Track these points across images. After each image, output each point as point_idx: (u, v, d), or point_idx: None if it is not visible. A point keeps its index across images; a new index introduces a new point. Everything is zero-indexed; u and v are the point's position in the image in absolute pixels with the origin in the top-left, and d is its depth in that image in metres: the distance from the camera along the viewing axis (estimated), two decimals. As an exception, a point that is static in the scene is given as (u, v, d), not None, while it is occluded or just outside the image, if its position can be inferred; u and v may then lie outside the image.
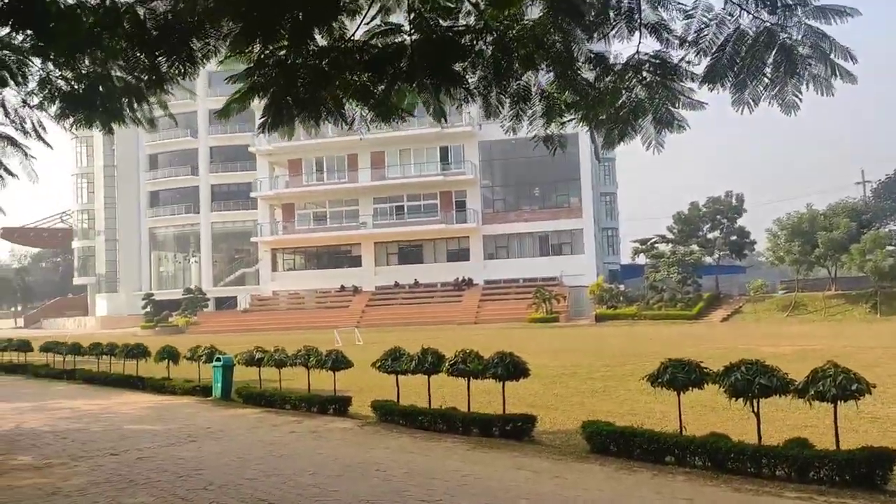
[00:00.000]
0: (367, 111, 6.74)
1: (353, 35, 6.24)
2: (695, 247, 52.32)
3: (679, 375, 8.49)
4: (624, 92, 6.58)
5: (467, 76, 6.56)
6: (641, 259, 54.37)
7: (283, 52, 6.11)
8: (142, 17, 5.81)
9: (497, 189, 57.42)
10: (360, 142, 56.47)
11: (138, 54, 5.93)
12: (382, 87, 6.57)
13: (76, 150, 73.15)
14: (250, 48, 6.00)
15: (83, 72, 10.05)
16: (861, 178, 68.55)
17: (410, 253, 57.90)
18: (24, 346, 23.60)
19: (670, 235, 53.45)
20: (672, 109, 6.64)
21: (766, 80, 6.02)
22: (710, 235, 53.12)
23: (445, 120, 7.02)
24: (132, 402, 15.19)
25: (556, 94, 6.53)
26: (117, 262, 70.50)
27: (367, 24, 6.29)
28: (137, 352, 17.69)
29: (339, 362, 13.29)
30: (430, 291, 54.70)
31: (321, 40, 6.08)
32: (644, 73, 6.45)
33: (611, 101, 6.54)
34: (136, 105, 11.00)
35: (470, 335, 33.74)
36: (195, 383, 15.88)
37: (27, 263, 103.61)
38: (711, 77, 6.06)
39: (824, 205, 49.88)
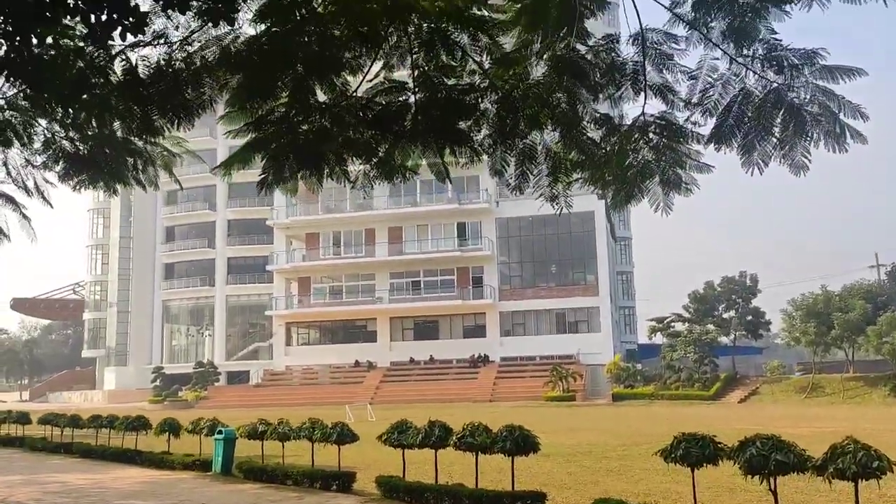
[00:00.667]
0: (370, 169, 6.69)
1: (355, 91, 6.24)
2: (711, 326, 51.59)
3: (693, 450, 8.07)
4: (630, 153, 6.48)
5: (472, 135, 6.52)
6: (658, 338, 53.67)
7: (283, 108, 6.11)
8: (133, 64, 5.82)
9: (514, 265, 57.33)
10: (377, 216, 57.13)
11: (130, 103, 5.91)
12: (386, 145, 6.53)
13: (92, 221, 74.20)
14: (250, 104, 6.00)
15: (88, 133, 10.17)
16: (875, 261, 68.30)
17: (426, 328, 57.46)
18: (22, 418, 23.18)
19: (686, 314, 52.81)
20: (679, 172, 6.53)
21: (775, 140, 5.91)
22: (725, 315, 52.46)
23: (450, 181, 6.93)
24: (127, 477, 14.75)
25: (561, 154, 6.45)
26: (128, 335, 70.36)
27: (370, 80, 6.30)
28: (138, 424, 17.30)
29: (344, 436, 12.89)
30: (446, 368, 53.97)
31: (322, 96, 6.08)
32: (650, 135, 6.37)
33: (618, 162, 6.44)
34: (140, 167, 11.12)
35: (485, 413, 32.96)
36: (195, 457, 15.40)
37: (36, 335, 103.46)
38: (718, 137, 5.96)
39: (838, 287, 49.33)
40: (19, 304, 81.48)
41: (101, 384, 70.68)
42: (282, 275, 60.26)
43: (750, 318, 51.49)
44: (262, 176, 6.28)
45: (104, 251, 72.96)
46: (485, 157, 6.63)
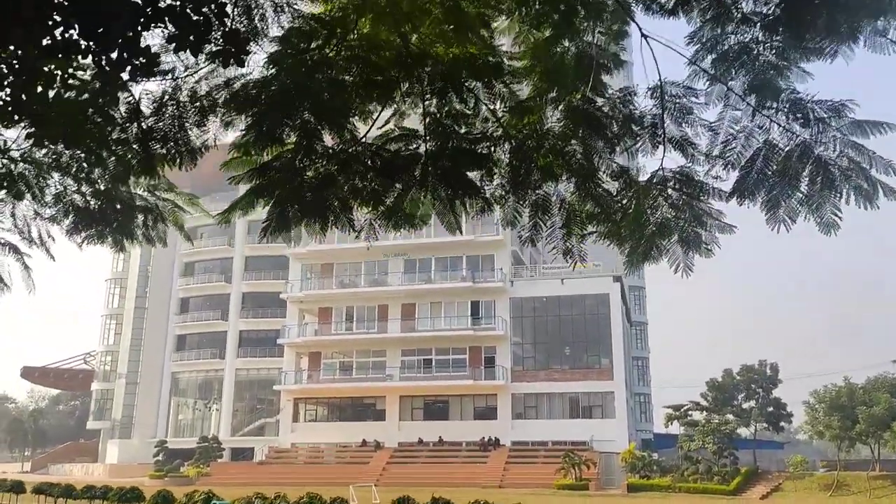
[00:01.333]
0: (377, 219, 6.44)
1: (363, 137, 6.06)
2: (730, 416, 50.05)
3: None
4: (648, 210, 6.20)
5: (484, 184, 6.29)
6: (674, 427, 52.03)
7: (290, 154, 5.93)
8: (137, 98, 5.66)
9: (527, 346, 56.41)
10: (391, 293, 56.83)
11: (131, 141, 5.72)
12: (394, 194, 6.31)
13: (109, 290, 74.55)
14: (255, 148, 5.82)
15: (99, 188, 10.08)
16: (897, 358, 66.86)
17: (436, 409, 56.22)
18: (16, 486, 22.52)
19: (704, 403, 51.34)
20: (699, 230, 6.22)
21: (801, 195, 5.61)
22: (745, 405, 50.93)
23: (461, 231, 6.66)
24: (118, 546, 14.06)
25: (576, 206, 6.18)
26: (134, 407, 69.43)
27: (380, 128, 6.13)
28: (131, 496, 16.70)
29: (343, 511, 12.24)
30: (455, 450, 52.44)
31: (329, 140, 5.90)
32: (669, 191, 6.10)
33: (635, 217, 6.15)
34: (150, 223, 10.97)
35: (494, 499, 31.68)
36: (189, 529, 14.73)
37: (44, 405, 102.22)
38: (741, 192, 5.67)
39: (861, 380, 47.91)
40: (29, 373, 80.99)
41: (103, 457, 69.34)
42: (292, 349, 59.69)
43: (771, 409, 49.94)
44: (266, 223, 6.03)
45: (118, 321, 73.02)
46: (497, 208, 6.37)
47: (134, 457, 64.62)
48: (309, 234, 6.42)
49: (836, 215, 5.58)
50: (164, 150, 5.64)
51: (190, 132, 5.66)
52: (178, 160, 5.73)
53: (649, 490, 43.52)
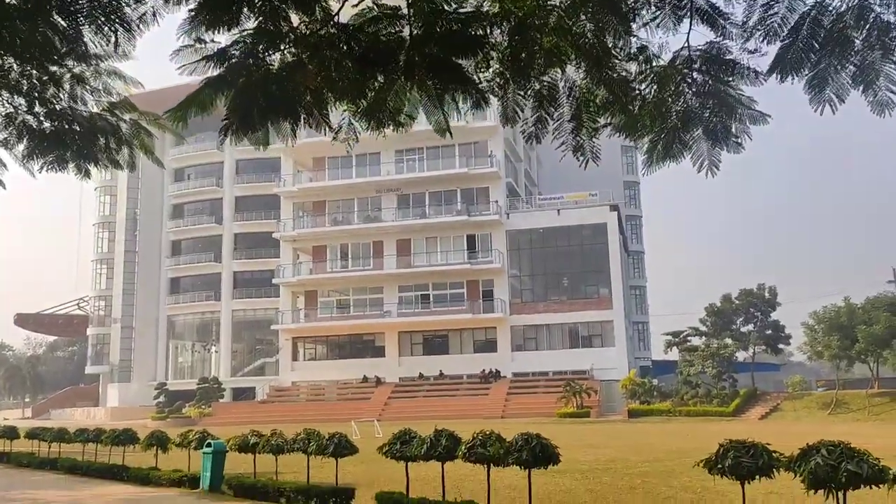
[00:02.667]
0: (357, 118, 5.59)
1: (336, 16, 5.15)
2: (729, 340, 50.03)
3: (744, 460, 6.85)
4: (670, 97, 5.36)
5: (480, 72, 5.42)
6: (673, 354, 52.06)
7: (251, 38, 5.04)
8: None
9: (525, 279, 56.03)
10: (385, 229, 56.04)
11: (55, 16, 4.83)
12: (376, 86, 5.44)
13: (97, 235, 73.56)
14: (211, 32, 4.93)
15: (55, 107, 9.15)
16: (894, 276, 66.78)
17: (436, 343, 56.17)
18: (9, 432, 22.15)
19: (703, 328, 51.26)
20: (728, 122, 5.40)
21: (853, 68, 4.78)
22: (743, 329, 50.86)
23: (450, 134, 5.79)
24: (108, 494, 13.60)
25: (586, 95, 5.32)
26: (132, 351, 69.35)
27: (356, 5, 5.22)
28: (124, 438, 16.19)
29: (341, 447, 11.73)
30: (456, 384, 52.61)
31: (296, 19, 5.00)
32: (695, 74, 5.25)
33: (655, 107, 5.31)
34: (114, 146, 10.08)
35: (497, 429, 31.72)
36: (183, 473, 14.26)
37: (41, 352, 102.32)
38: (783, 66, 4.83)
39: (860, 299, 47.64)
40: (23, 320, 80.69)
41: (104, 401, 69.63)
42: (288, 288, 59.22)
43: (769, 332, 49.91)
44: (226, 120, 5.18)
45: (109, 266, 72.17)
46: (494, 102, 5.52)
47: (135, 399, 64.88)
48: (278, 134, 5.57)
49: (893, 91, 4.76)
50: (92, 25, 4.74)
51: (124, 5, 4.75)
52: (111, 37, 4.83)
53: (650, 415, 43.79)
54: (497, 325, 53.92)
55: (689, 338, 51.00)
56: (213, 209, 70.09)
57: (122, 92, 10.61)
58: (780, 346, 51.36)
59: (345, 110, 5.53)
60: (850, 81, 4.79)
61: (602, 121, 5.42)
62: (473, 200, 56.07)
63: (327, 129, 5.48)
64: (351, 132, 5.60)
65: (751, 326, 50.68)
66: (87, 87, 10.07)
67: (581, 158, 5.55)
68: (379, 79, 5.42)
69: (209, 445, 13.41)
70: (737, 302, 50.80)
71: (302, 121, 5.37)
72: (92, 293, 73.86)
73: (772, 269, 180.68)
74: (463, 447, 9.68)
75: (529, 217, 56.09)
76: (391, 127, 5.59)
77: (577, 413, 43.90)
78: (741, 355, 52.21)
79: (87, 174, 10.33)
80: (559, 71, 5.32)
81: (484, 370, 52.30)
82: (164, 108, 5.76)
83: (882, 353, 43.27)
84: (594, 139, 5.45)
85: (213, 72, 5.12)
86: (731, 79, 5.15)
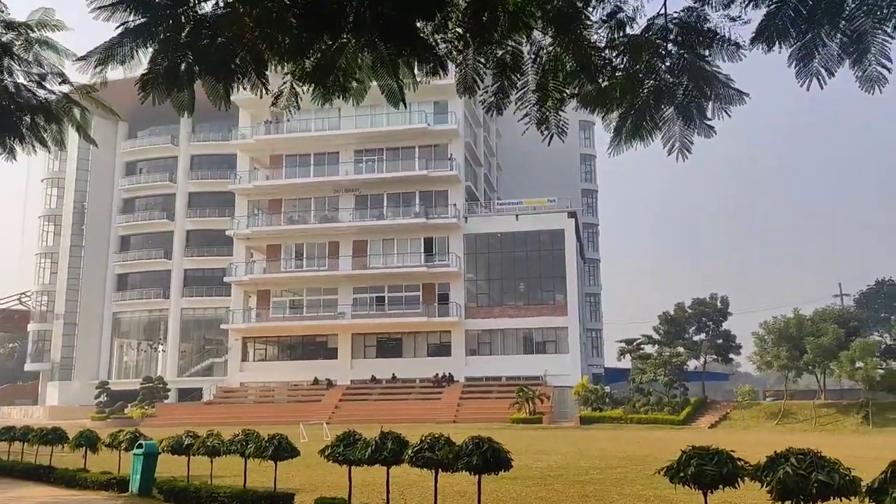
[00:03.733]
0: (301, 82, 5.01)
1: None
2: (681, 349, 50.42)
3: (707, 468, 6.44)
4: (643, 71, 4.91)
5: (438, 36, 4.90)
6: (626, 362, 52.34)
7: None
8: None
9: (481, 283, 55.64)
10: (342, 229, 55.11)
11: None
12: (321, 47, 4.87)
13: (42, 228, 70.97)
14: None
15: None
16: (839, 290, 69.34)
17: (389, 346, 55.42)
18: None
19: (656, 336, 51.60)
20: (702, 101, 4.97)
21: (843, 38, 4.39)
22: (696, 338, 51.37)
23: (405, 104, 5.26)
24: (28, 497, 12.68)
25: (553, 63, 4.84)
26: (74, 348, 66.93)
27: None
28: (52, 437, 15.20)
29: (281, 450, 11.05)
30: (409, 387, 51.92)
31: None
32: (669, 46, 4.81)
33: (627, 80, 4.86)
34: (42, 123, 9.31)
35: (448, 433, 31.20)
36: (112, 475, 13.39)
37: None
38: (769, 34, 4.41)
39: (809, 311, 48.54)
40: (-39, 314, 77.39)
41: (43, 400, 67.06)
42: (240, 287, 57.85)
43: (720, 341, 50.48)
44: (148, 74, 4.54)
45: (53, 260, 69.62)
46: (453, 69, 5.00)
47: (76, 399, 62.61)
48: (209, 95, 4.95)
49: (884, 66, 4.38)
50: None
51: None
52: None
53: (601, 422, 43.75)
54: (452, 328, 53.45)
55: (642, 346, 51.26)
56: (166, 205, 68.22)
57: (56, 64, 9.85)
58: (731, 355, 51.94)
59: (286, 73, 4.95)
60: (840, 52, 4.41)
61: (569, 91, 4.94)
62: (432, 203, 55.57)
63: (264, 91, 4.88)
64: (293, 99, 5.01)
65: (703, 335, 51.20)
66: (15, 57, 9.30)
67: (545, 133, 5.06)
68: (326, 40, 4.85)
69: (140, 446, 12.59)
70: (689, 311, 51.28)
71: (236, 80, 4.77)
72: (35, 288, 71.14)
73: (724, 280, 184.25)
74: (410, 451, 9.13)
75: (488, 221, 55.83)
76: (339, 95, 5.01)
77: (530, 419, 43.65)
78: (692, 364, 52.71)
79: (12, 153, 9.54)
80: (524, 36, 4.83)
81: (437, 374, 51.75)
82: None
83: (829, 364, 43.98)
84: (560, 112, 4.96)
85: (134, 18, 4.49)
86: (707, 52, 4.72)
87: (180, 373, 64.19)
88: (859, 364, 41.89)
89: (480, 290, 55.46)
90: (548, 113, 4.92)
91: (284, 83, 4.99)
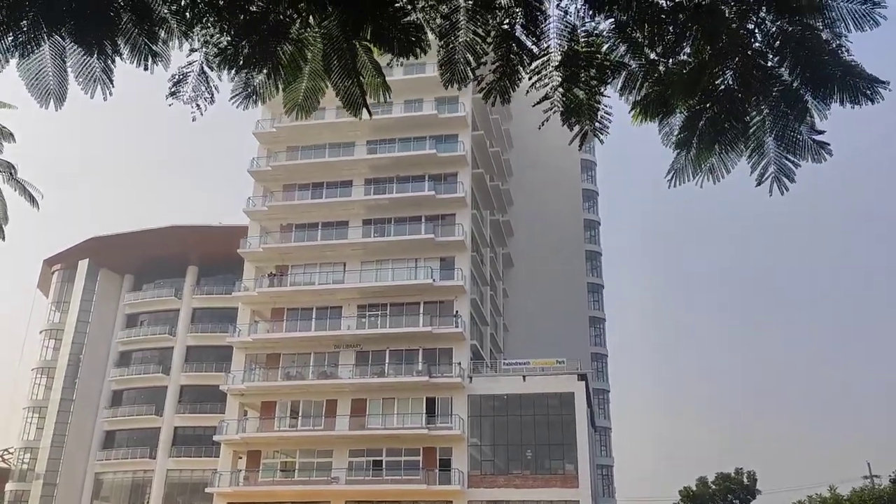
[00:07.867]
0: (214, 62, 3.43)
1: None
2: (705, 530, 46.10)
3: None
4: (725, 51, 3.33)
5: (415, 3, 3.36)
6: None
7: None
8: None
9: (485, 448, 51.96)
10: (341, 386, 52.40)
11: None
12: (246, 17, 3.33)
13: (34, 381, 68.38)
14: None
15: None
16: (868, 471, 64.50)
17: (385, 517, 50.86)
18: None
19: (678, 514, 47.43)
20: (809, 99, 3.35)
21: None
22: (722, 517, 47.15)
23: (367, 110, 3.63)
24: None
25: (585, 38, 3.26)
26: (50, 512, 62.25)
27: None
28: None
29: None
30: (405, 566, 47.03)
31: None
32: (762, 13, 3.27)
33: (697, 70, 3.27)
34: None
35: None
36: None
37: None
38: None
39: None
40: (-64, 473, 72.88)
41: (8, 569, 61.50)
42: (230, 446, 54.28)
43: (749, 521, 46.25)
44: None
45: (41, 415, 66.54)
46: (437, 46, 3.41)
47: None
48: (77, 76, 3.33)
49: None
50: None
51: None
52: None
53: None
54: (454, 498, 49.19)
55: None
56: (162, 358, 66.18)
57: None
58: (761, 537, 47.46)
59: (194, 50, 3.39)
60: None
61: (611, 77, 3.32)
62: (436, 361, 53.27)
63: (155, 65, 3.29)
64: (203, 84, 3.41)
65: (728, 514, 47.02)
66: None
67: (573, 127, 3.37)
68: (257, 2, 3.33)
69: None
70: (713, 486, 47.37)
71: (114, 46, 3.18)
72: (18, 444, 67.51)
73: (750, 453, 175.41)
74: None
75: (493, 382, 53.18)
76: (270, 87, 3.42)
77: None
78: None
79: None
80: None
81: (437, 551, 47.03)
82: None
83: (871, 549, 39.78)
84: (597, 99, 3.30)
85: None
86: (821, 21, 3.15)
87: (160, 541, 59.11)
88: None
89: (485, 456, 51.74)
90: (576, 100, 3.26)
91: (196, 61, 3.41)
